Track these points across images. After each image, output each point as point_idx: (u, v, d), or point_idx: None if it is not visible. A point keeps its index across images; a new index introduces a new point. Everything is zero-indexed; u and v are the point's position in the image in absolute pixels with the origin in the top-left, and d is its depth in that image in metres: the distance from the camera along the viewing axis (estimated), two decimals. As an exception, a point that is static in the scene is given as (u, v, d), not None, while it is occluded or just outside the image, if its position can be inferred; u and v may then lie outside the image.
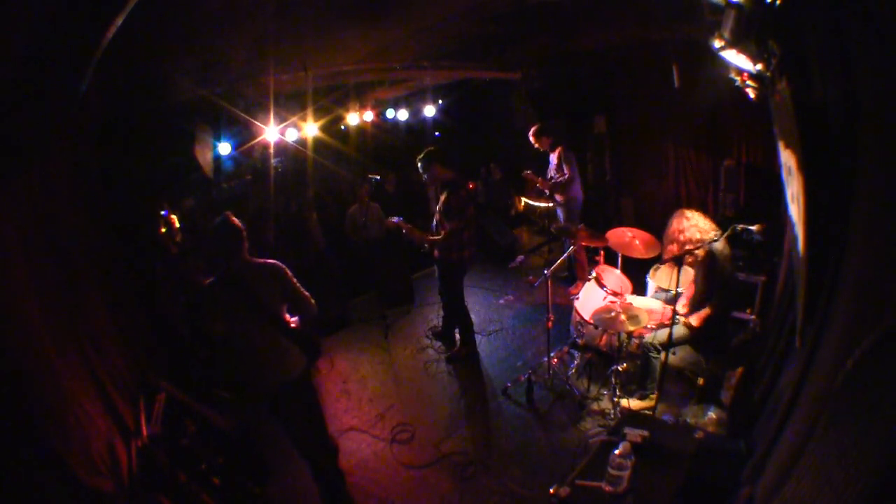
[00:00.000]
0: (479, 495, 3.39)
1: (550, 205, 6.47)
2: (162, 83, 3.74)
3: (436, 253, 4.66)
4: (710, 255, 3.66)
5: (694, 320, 3.71)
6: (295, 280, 2.96)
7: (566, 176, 5.81)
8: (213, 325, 2.88)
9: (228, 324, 2.85)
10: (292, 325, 2.97)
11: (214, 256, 2.97)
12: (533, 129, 6.03)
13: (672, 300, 3.79)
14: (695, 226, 3.77)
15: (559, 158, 5.89)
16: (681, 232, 3.78)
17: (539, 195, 8.01)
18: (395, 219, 4.77)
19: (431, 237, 4.61)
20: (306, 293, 2.98)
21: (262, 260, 2.93)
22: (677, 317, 3.76)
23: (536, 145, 6.07)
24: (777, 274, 3.85)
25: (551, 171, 6.02)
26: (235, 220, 2.88)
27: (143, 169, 4.06)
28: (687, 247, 3.67)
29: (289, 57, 4.09)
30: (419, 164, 4.64)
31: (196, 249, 4.81)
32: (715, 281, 3.66)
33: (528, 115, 7.78)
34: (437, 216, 4.61)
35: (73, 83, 2.02)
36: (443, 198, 4.54)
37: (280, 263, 2.96)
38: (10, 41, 1.53)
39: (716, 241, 3.61)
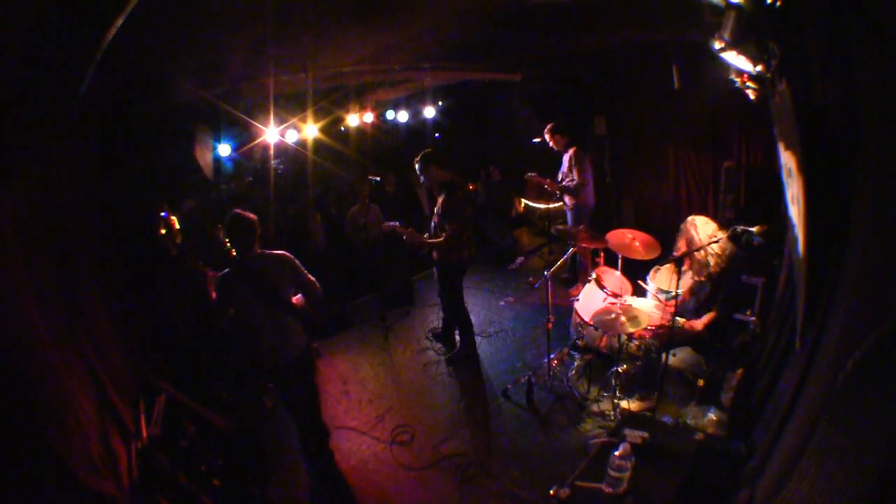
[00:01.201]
0: (479, 497, 3.39)
1: (551, 206, 6.43)
2: (162, 84, 3.74)
3: (434, 254, 4.66)
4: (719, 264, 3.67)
5: (698, 324, 3.72)
6: (302, 267, 3.27)
7: (575, 181, 5.69)
8: (226, 310, 3.19)
9: (243, 308, 3.14)
10: (297, 303, 3.28)
11: (232, 248, 3.20)
12: (548, 127, 5.92)
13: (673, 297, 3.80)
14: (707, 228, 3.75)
15: (570, 161, 5.77)
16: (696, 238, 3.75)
17: (539, 196, 8.00)
18: (392, 223, 4.78)
19: (430, 240, 4.61)
20: (312, 278, 3.30)
21: (272, 251, 3.25)
22: (680, 323, 3.77)
23: (551, 143, 5.95)
24: (777, 275, 3.84)
25: (563, 172, 5.91)
26: (249, 214, 3.16)
27: (143, 170, 4.06)
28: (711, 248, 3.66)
29: (289, 58, 4.09)
30: (416, 166, 4.64)
31: (196, 250, 4.81)
32: (723, 284, 3.66)
33: (528, 117, 7.78)
34: (435, 218, 4.61)
35: (73, 84, 2.02)
36: (441, 200, 4.54)
37: (288, 253, 3.27)
38: (10, 41, 1.53)
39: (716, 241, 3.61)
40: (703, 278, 3.99)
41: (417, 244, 4.67)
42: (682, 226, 3.98)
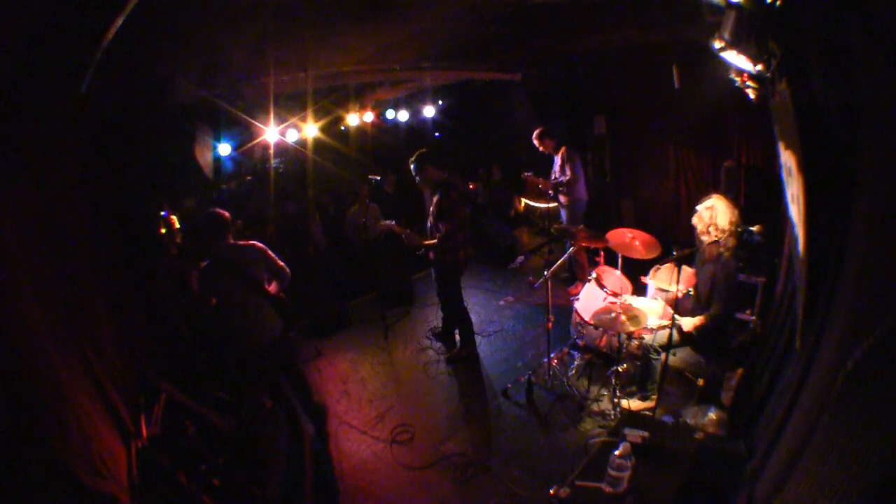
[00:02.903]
0: (478, 496, 3.39)
1: (551, 205, 6.48)
2: (162, 84, 3.74)
3: (431, 254, 4.67)
4: (719, 261, 3.61)
5: (686, 325, 3.70)
6: (273, 255, 3.62)
7: (568, 177, 5.83)
8: (209, 298, 3.52)
9: (224, 294, 3.46)
10: (271, 291, 3.61)
11: (204, 241, 3.54)
12: (536, 133, 6.06)
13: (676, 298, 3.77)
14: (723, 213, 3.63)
15: (562, 159, 5.92)
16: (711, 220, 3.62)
17: (539, 196, 8.01)
18: (388, 222, 4.79)
19: (427, 241, 4.61)
20: (282, 263, 3.64)
21: (244, 242, 3.58)
22: (678, 322, 3.75)
23: (541, 148, 6.09)
24: (777, 275, 3.85)
25: (555, 172, 6.04)
26: (222, 210, 3.52)
27: (143, 169, 4.07)
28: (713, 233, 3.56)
29: (289, 58, 4.09)
30: (411, 167, 4.64)
31: (196, 250, 4.81)
32: (716, 287, 3.64)
33: (528, 116, 7.79)
34: (430, 218, 4.62)
35: (73, 84, 2.03)
36: (436, 200, 4.54)
37: (260, 243, 3.61)
38: (10, 41, 1.53)
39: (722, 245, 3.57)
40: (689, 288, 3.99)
41: (415, 244, 4.67)
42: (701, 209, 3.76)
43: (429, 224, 4.66)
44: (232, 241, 3.52)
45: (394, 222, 4.77)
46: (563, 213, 6.15)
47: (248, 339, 3.57)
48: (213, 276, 3.46)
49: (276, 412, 4.11)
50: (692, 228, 3.78)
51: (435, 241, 4.53)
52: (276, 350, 3.67)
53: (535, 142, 6.07)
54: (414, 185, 4.83)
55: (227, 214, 3.51)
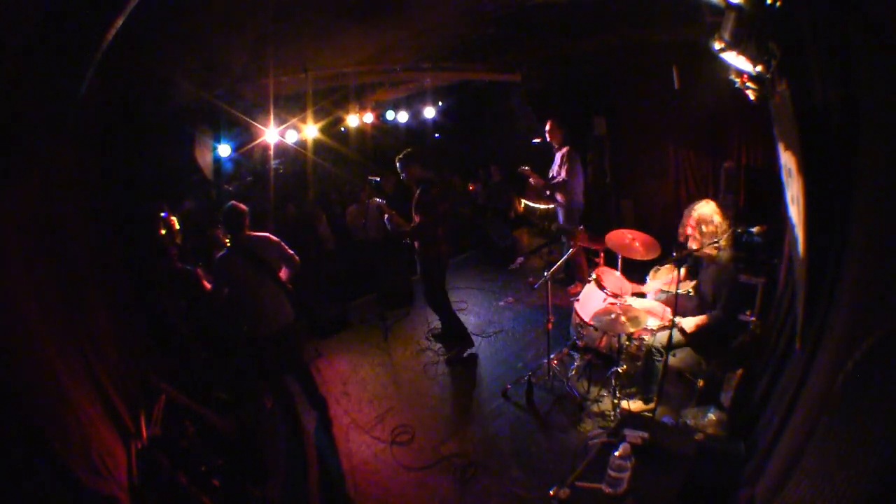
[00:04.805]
0: (479, 497, 3.39)
1: (551, 206, 6.47)
2: (162, 85, 3.75)
3: (416, 244, 4.79)
4: (719, 264, 3.63)
5: (688, 325, 3.70)
6: (284, 245, 3.89)
7: (560, 177, 5.83)
8: (222, 290, 3.71)
9: (242, 282, 3.66)
10: (284, 280, 3.84)
11: (226, 231, 3.82)
12: (550, 122, 6.01)
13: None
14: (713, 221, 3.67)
15: (562, 159, 5.88)
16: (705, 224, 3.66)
17: (538, 196, 8.02)
18: (379, 200, 4.98)
19: (404, 226, 4.84)
20: (292, 252, 3.92)
21: (258, 233, 3.83)
22: (677, 322, 3.75)
23: (549, 138, 6.04)
24: (777, 276, 3.85)
25: (553, 170, 6.02)
26: (241, 204, 3.73)
27: (143, 171, 4.07)
28: (705, 240, 3.61)
29: (289, 58, 4.09)
30: (398, 165, 4.80)
31: (196, 250, 4.82)
32: (719, 287, 3.64)
33: (528, 117, 7.79)
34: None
35: (72, 84, 2.03)
36: (416, 194, 4.69)
37: (272, 235, 3.87)
38: (10, 42, 1.53)
39: (720, 247, 3.58)
40: (690, 287, 3.99)
41: (396, 224, 4.93)
42: (688, 216, 3.80)
43: None
44: (249, 233, 3.75)
45: (384, 201, 4.92)
46: (560, 213, 6.14)
47: (262, 324, 3.74)
48: (233, 263, 3.66)
49: (276, 412, 4.12)
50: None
51: (405, 227, 4.82)
52: (288, 336, 3.85)
53: (547, 126, 5.99)
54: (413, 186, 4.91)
55: (245, 208, 3.73)
